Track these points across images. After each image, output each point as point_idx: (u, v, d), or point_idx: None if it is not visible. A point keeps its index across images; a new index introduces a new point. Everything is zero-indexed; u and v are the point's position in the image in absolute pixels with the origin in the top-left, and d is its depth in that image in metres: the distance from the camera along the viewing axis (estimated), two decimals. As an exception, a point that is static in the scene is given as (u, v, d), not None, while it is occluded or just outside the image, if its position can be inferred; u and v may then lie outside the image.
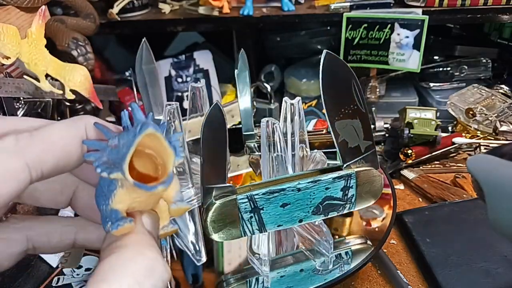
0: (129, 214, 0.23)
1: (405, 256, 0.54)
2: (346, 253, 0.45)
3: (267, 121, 0.42)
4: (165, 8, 0.86)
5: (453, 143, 0.73)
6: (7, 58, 0.49)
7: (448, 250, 0.51)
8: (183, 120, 0.59)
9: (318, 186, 0.40)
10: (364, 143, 0.40)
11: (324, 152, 0.52)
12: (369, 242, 0.47)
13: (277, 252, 0.48)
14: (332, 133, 0.39)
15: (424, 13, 0.75)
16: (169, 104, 0.52)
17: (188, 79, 0.93)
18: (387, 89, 0.88)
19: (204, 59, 0.95)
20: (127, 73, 1.04)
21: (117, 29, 0.85)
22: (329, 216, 0.42)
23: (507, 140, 0.72)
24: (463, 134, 0.76)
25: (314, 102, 0.90)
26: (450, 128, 0.82)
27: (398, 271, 0.50)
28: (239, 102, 0.61)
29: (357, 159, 0.41)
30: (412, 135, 0.71)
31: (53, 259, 0.54)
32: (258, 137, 0.63)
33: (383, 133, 0.80)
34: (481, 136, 0.75)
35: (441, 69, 0.89)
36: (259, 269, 0.43)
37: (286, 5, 0.80)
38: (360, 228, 0.54)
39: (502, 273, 0.47)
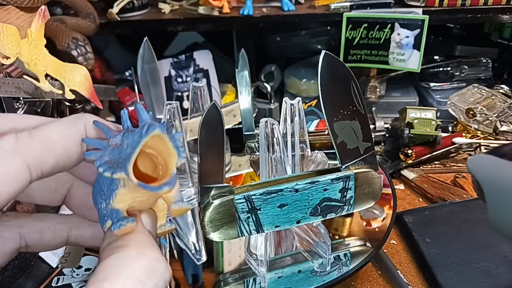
0: (128, 214, 0.23)
1: (405, 256, 0.54)
2: (345, 254, 0.45)
3: (266, 122, 0.42)
4: (165, 8, 0.86)
5: (453, 143, 0.73)
6: (7, 58, 0.48)
7: (448, 250, 0.51)
8: (185, 119, 0.59)
9: (316, 187, 0.40)
10: (363, 144, 0.40)
11: (325, 153, 0.51)
12: (368, 244, 0.47)
13: (276, 253, 0.48)
14: (330, 134, 0.39)
15: (424, 13, 0.75)
16: (170, 104, 0.52)
17: (188, 79, 0.93)
18: (387, 89, 0.88)
19: (204, 59, 0.95)
20: (127, 73, 1.04)
21: (117, 29, 0.85)
22: (327, 218, 0.42)
23: (507, 140, 0.72)
24: (463, 134, 0.76)
25: (314, 102, 0.90)
26: (450, 128, 0.82)
27: (398, 271, 0.50)
28: (239, 102, 0.61)
29: (356, 160, 0.40)
30: (412, 135, 0.71)
31: (53, 259, 0.54)
32: (258, 137, 0.63)
33: (383, 133, 0.80)
34: (481, 136, 0.75)
35: (441, 69, 0.89)
36: (256, 270, 0.43)
37: (286, 5, 0.80)
38: (360, 228, 0.54)
39: (502, 273, 0.47)
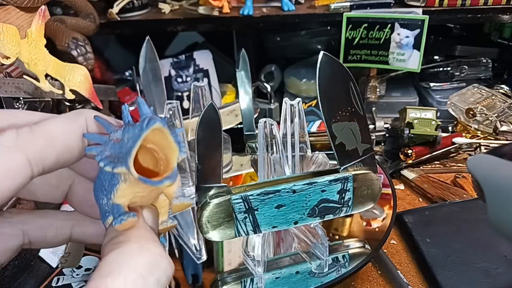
0: (130, 209, 0.23)
1: (405, 256, 0.54)
2: (343, 256, 0.45)
3: (265, 122, 0.42)
4: (165, 8, 0.86)
5: (453, 143, 0.73)
6: (7, 58, 0.48)
7: (448, 250, 0.51)
8: (185, 119, 0.59)
9: (314, 188, 0.39)
10: (362, 146, 0.40)
11: (327, 154, 0.51)
12: (367, 246, 0.47)
13: (275, 253, 0.48)
14: (329, 135, 0.39)
15: (424, 13, 0.75)
16: (170, 103, 0.53)
17: (188, 79, 0.93)
18: (387, 89, 0.88)
19: (204, 59, 0.95)
20: (127, 73, 1.04)
21: (117, 29, 0.85)
22: (325, 219, 0.42)
23: (507, 140, 0.72)
24: (463, 134, 0.76)
25: (314, 102, 0.90)
26: (450, 128, 0.82)
27: (398, 271, 0.50)
28: (240, 102, 0.61)
29: (354, 162, 0.40)
30: (412, 135, 0.71)
31: (53, 259, 0.54)
32: (258, 137, 0.63)
33: (383, 133, 0.80)
34: (481, 136, 0.75)
35: (441, 69, 0.89)
36: (253, 270, 0.43)
37: (286, 5, 0.80)
38: (360, 228, 0.54)
39: (502, 273, 0.47)
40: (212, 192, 0.38)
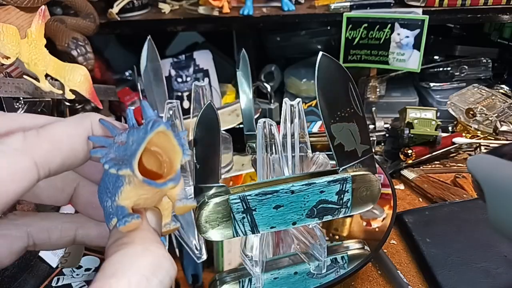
0: (134, 211, 0.23)
1: (405, 256, 0.54)
2: (342, 257, 0.45)
3: (264, 122, 0.42)
4: (165, 8, 0.86)
5: (453, 143, 0.73)
6: (7, 58, 0.49)
7: (448, 250, 0.51)
8: (185, 119, 0.59)
9: (313, 189, 0.39)
10: (361, 147, 0.40)
11: (327, 154, 0.51)
12: (366, 247, 0.47)
13: (274, 254, 0.48)
14: (327, 136, 0.39)
15: (424, 13, 0.75)
16: (170, 102, 0.53)
17: (188, 79, 0.93)
18: (387, 89, 0.88)
19: (204, 59, 0.95)
20: (127, 73, 1.04)
21: (117, 29, 0.85)
22: (323, 220, 0.41)
23: (507, 140, 0.72)
24: (463, 134, 0.76)
25: (314, 102, 0.90)
26: (450, 128, 0.82)
27: (398, 271, 0.50)
28: (240, 102, 0.61)
29: (353, 163, 0.40)
30: (412, 135, 0.71)
31: (53, 259, 0.54)
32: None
33: (383, 133, 0.80)
34: (481, 136, 0.75)
35: (441, 69, 0.89)
36: (251, 270, 0.43)
37: (286, 5, 0.80)
38: (360, 228, 0.54)
39: (502, 273, 0.47)
40: (210, 192, 0.38)
